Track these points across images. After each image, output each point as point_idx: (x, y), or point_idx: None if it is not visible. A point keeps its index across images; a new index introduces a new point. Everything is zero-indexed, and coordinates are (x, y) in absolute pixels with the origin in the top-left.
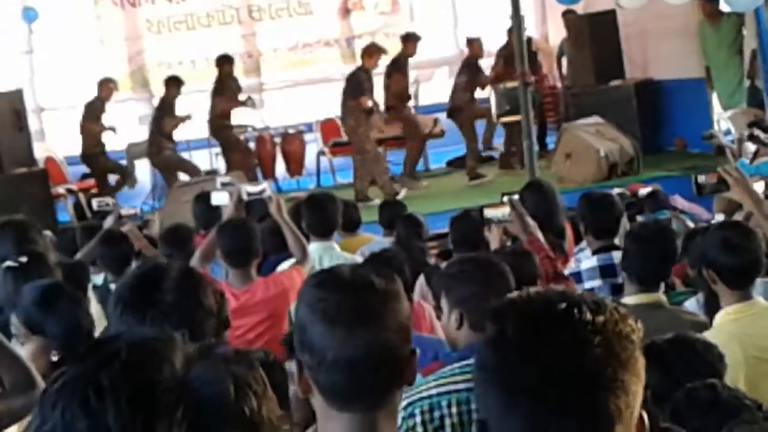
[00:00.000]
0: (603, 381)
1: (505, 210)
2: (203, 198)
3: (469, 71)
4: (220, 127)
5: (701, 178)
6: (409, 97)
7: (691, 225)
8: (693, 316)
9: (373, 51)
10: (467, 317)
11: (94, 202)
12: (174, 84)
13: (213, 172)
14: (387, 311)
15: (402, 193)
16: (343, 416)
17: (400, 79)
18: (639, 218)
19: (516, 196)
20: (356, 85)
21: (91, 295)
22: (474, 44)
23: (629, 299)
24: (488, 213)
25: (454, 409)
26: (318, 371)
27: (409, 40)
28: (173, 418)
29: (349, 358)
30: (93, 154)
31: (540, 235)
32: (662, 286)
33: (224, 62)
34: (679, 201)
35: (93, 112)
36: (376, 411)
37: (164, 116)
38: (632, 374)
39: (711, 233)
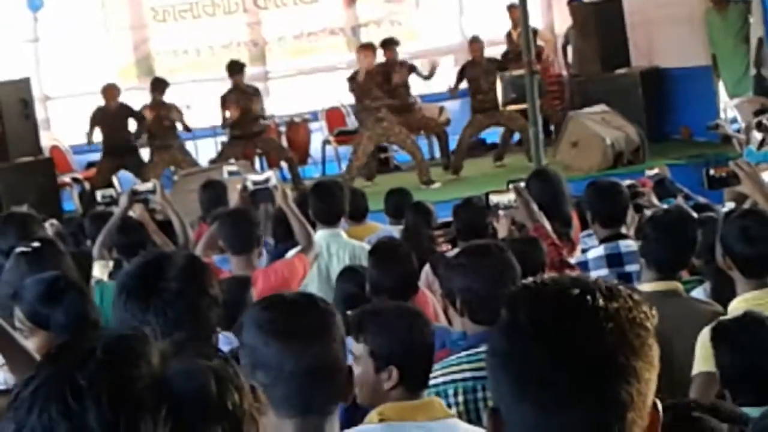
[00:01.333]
0: (615, 368)
1: (511, 196)
2: (210, 186)
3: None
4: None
5: (712, 172)
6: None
7: (695, 215)
8: (709, 305)
9: (361, 50)
10: (466, 309)
11: (98, 194)
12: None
13: (214, 161)
14: (332, 326)
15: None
16: (296, 421)
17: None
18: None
19: (522, 184)
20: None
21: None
22: (474, 45)
23: (646, 286)
24: (494, 198)
25: (460, 398)
26: (274, 386)
27: (386, 46)
28: (157, 416)
29: (306, 368)
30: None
31: (546, 223)
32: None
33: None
34: None
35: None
36: (323, 418)
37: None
38: (645, 362)
39: (731, 221)
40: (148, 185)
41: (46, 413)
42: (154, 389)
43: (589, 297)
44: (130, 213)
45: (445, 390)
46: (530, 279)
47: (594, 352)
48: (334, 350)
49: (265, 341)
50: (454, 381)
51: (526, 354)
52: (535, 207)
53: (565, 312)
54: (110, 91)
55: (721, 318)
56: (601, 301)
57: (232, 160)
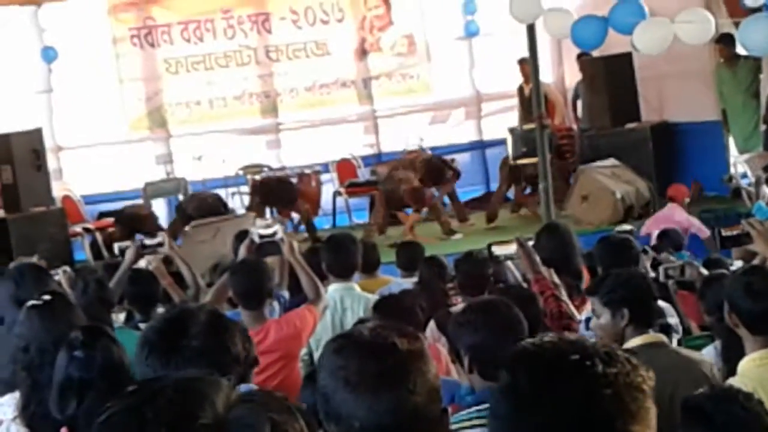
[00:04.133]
0: None
1: (513, 247)
2: (243, 236)
3: None
4: None
5: (724, 231)
6: None
7: (705, 271)
8: (692, 354)
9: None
10: (475, 365)
11: (116, 246)
12: None
13: (230, 212)
14: (412, 373)
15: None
16: None
17: None
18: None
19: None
20: None
21: None
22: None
23: (636, 340)
24: (496, 250)
25: None
26: None
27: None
28: None
29: (377, 426)
30: None
31: (554, 275)
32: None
33: None
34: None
35: None
36: None
37: None
38: (642, 425)
39: (735, 278)
40: (157, 239)
41: None
42: (212, 429)
43: (588, 362)
44: (147, 266)
45: None
46: (530, 341)
47: (591, 419)
48: (414, 402)
49: (333, 388)
50: None
51: (525, 418)
52: (537, 258)
53: (565, 378)
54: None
55: (695, 393)
56: (600, 367)
57: (243, 212)
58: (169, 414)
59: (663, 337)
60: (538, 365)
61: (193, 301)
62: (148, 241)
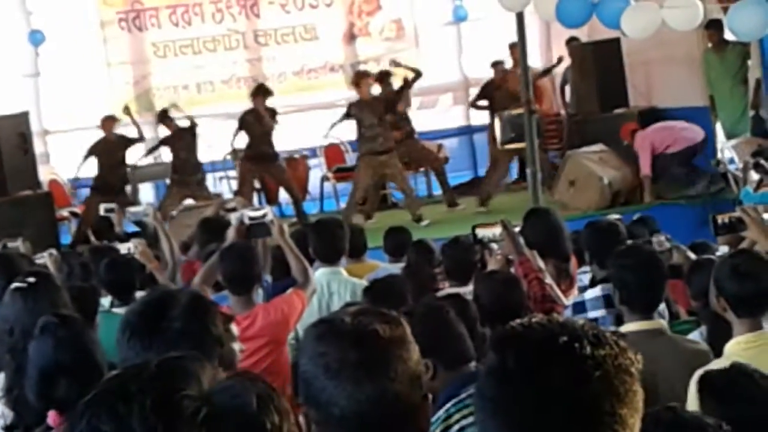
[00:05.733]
0: (601, 416)
1: (497, 230)
2: (208, 224)
3: None
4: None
5: (719, 219)
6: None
7: (693, 256)
8: (694, 344)
9: (360, 78)
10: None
11: (101, 207)
12: None
13: (216, 196)
14: (393, 361)
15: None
16: None
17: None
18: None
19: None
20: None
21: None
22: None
23: (631, 326)
24: (480, 232)
25: None
26: (326, 427)
27: (382, 79)
28: (194, 425)
29: (357, 414)
30: None
31: (539, 259)
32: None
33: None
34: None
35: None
36: None
37: None
38: (630, 408)
39: (722, 261)
40: (141, 208)
41: (95, 417)
42: (197, 400)
43: (576, 344)
44: (132, 249)
45: None
46: (519, 321)
47: (580, 400)
48: (395, 389)
49: (314, 375)
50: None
51: (513, 399)
52: (521, 240)
53: (553, 359)
54: (107, 122)
55: (708, 368)
56: (588, 349)
57: (230, 196)
58: (153, 387)
59: (662, 323)
60: (526, 346)
61: (170, 278)
62: (133, 209)
